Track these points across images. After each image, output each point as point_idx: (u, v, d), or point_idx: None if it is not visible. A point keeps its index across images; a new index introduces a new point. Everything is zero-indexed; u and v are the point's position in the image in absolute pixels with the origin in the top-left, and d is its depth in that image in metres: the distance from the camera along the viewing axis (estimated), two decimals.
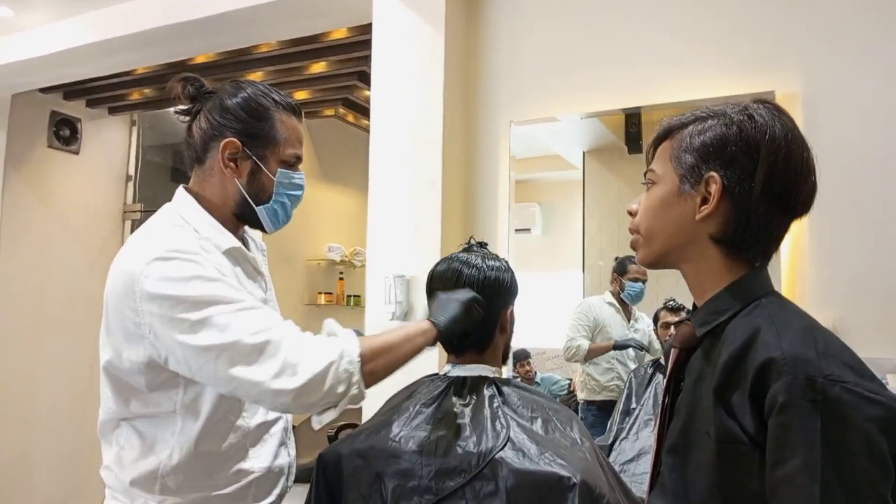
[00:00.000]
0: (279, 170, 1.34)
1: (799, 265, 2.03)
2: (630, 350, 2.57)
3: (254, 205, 1.34)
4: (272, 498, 1.37)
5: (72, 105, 4.42)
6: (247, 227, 1.45)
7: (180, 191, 1.37)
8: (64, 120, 4.41)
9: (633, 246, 1.03)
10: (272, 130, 1.33)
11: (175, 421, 1.25)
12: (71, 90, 4.24)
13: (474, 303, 1.32)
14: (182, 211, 1.32)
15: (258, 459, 1.34)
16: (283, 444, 1.41)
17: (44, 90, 4.15)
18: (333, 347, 1.17)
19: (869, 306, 1.95)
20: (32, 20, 3.43)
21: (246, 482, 1.31)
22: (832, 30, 2.06)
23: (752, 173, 0.90)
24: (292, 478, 1.43)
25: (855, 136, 1.99)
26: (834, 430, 0.75)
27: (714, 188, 0.91)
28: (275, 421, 1.39)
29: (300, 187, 1.38)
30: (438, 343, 1.36)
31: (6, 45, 3.59)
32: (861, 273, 1.97)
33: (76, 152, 4.48)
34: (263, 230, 1.41)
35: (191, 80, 1.36)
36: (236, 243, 1.32)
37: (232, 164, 1.32)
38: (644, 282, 2.53)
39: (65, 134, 4.42)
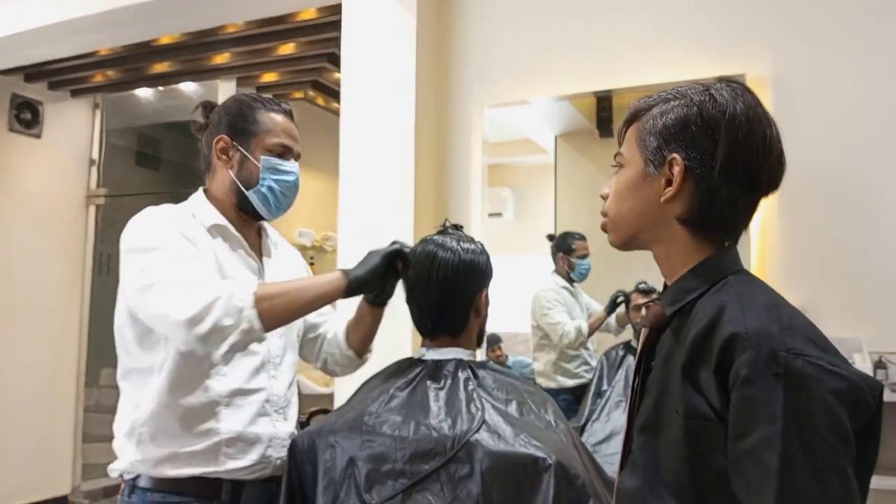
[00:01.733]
0: (262, 157, 1.50)
1: (768, 246, 2.05)
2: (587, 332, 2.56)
3: (244, 189, 1.50)
4: (246, 462, 1.40)
5: (33, 87, 4.31)
6: (268, 230, 1.65)
7: (199, 190, 1.56)
8: (25, 103, 4.30)
9: (604, 229, 1.03)
10: (256, 125, 1.51)
11: (154, 377, 1.38)
12: (32, 72, 4.13)
13: (396, 257, 1.41)
14: (190, 202, 1.52)
15: (229, 423, 1.39)
16: (263, 414, 1.45)
17: (4, 72, 4.04)
18: (226, 286, 1.28)
19: (836, 287, 1.98)
20: None
21: (213, 442, 1.37)
22: (802, 15, 2.08)
23: (713, 153, 0.90)
24: (279, 449, 1.45)
25: (824, 120, 2.02)
26: (796, 402, 0.76)
27: (676, 170, 0.92)
28: (254, 390, 1.44)
29: (288, 173, 1.53)
30: (413, 326, 1.37)
31: None
32: (829, 255, 2.00)
33: (38, 136, 4.38)
34: (262, 217, 1.55)
35: (206, 104, 1.59)
36: (221, 220, 1.49)
37: (224, 157, 1.51)
38: (589, 256, 2.53)
39: (26, 117, 4.31)
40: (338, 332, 1.68)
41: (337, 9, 2.67)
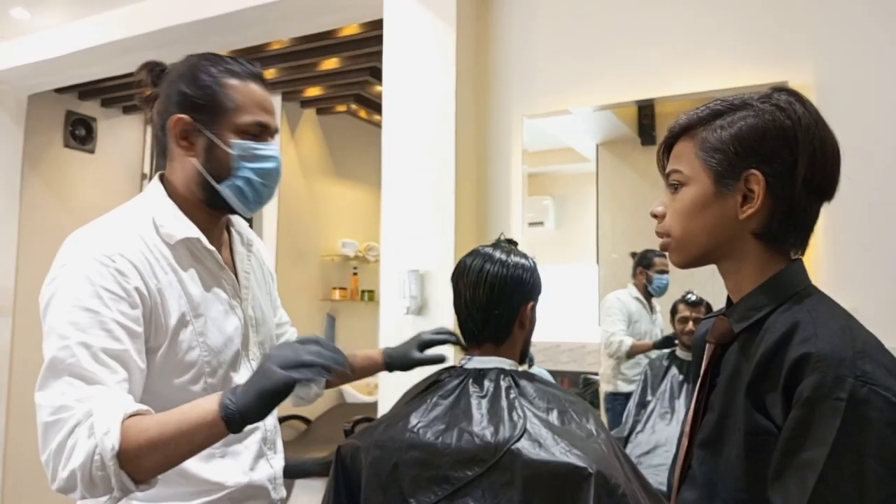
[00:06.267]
0: (234, 141, 1.19)
1: (813, 254, 2.02)
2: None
3: (214, 183, 1.21)
4: None
5: (87, 105, 4.47)
6: (235, 220, 1.38)
7: (155, 178, 1.29)
8: (79, 119, 4.46)
9: (665, 249, 1.00)
10: (221, 99, 1.19)
11: None
12: (86, 90, 4.28)
13: (297, 375, 0.99)
14: (148, 200, 1.25)
15: (231, 473, 1.24)
16: (261, 456, 1.31)
17: (59, 90, 4.19)
18: (87, 447, 0.97)
19: (884, 295, 1.94)
20: (48, 21, 3.46)
21: (217, 497, 1.22)
22: (845, 20, 2.05)
23: (791, 166, 0.88)
24: (279, 491, 1.35)
25: (868, 126, 1.98)
26: (852, 429, 0.75)
27: (756, 186, 0.89)
28: (248, 433, 1.27)
29: (267, 159, 1.22)
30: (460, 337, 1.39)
31: (22, 47, 3.63)
32: (876, 262, 1.96)
33: (91, 151, 4.52)
34: (238, 213, 1.28)
35: (151, 65, 1.28)
36: (193, 233, 1.22)
37: (185, 143, 1.21)
38: (668, 273, 2.52)
39: (80, 133, 4.46)
40: None
41: (378, 24, 2.72)
